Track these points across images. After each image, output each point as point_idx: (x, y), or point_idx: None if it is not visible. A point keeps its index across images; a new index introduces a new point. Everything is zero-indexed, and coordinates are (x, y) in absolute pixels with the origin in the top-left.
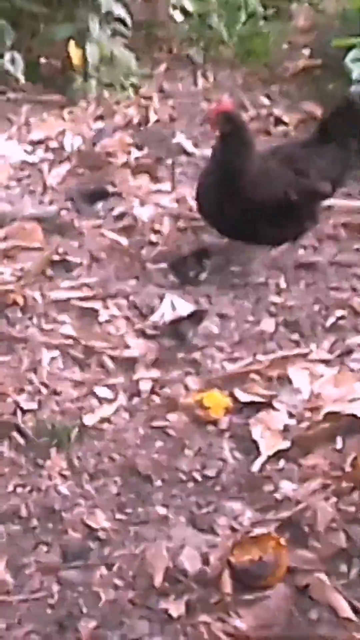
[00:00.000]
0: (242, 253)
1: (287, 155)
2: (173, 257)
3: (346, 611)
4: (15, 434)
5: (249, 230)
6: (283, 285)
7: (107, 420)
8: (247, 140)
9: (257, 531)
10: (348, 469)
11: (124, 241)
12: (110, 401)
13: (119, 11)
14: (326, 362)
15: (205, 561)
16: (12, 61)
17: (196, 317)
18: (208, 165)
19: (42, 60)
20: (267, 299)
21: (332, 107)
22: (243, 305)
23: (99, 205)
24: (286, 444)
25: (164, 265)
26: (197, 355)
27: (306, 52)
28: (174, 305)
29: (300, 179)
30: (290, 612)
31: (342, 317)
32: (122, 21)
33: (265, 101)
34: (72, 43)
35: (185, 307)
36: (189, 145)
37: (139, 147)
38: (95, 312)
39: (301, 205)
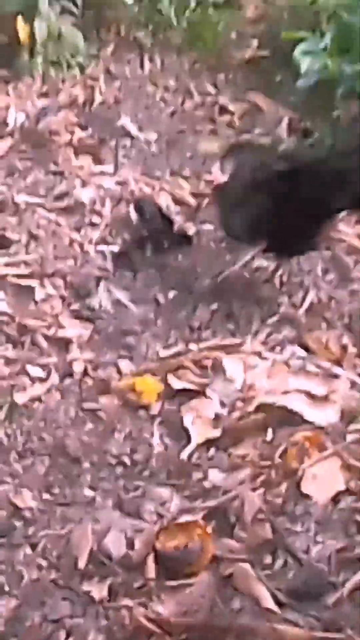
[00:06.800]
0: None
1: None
2: (130, 237)
3: (268, 602)
4: None
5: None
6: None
7: (38, 399)
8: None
9: (184, 518)
10: (277, 460)
11: (63, 221)
12: (42, 380)
13: None
14: (260, 353)
15: (131, 545)
16: None
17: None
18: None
19: None
20: (204, 286)
21: None
22: (179, 292)
23: None
24: (217, 433)
25: (103, 247)
26: (131, 339)
27: (255, 42)
28: (109, 289)
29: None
30: (213, 601)
31: (279, 309)
32: (72, 0)
33: (211, 89)
34: (19, 18)
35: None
36: (133, 128)
37: (83, 127)
38: (31, 290)
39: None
